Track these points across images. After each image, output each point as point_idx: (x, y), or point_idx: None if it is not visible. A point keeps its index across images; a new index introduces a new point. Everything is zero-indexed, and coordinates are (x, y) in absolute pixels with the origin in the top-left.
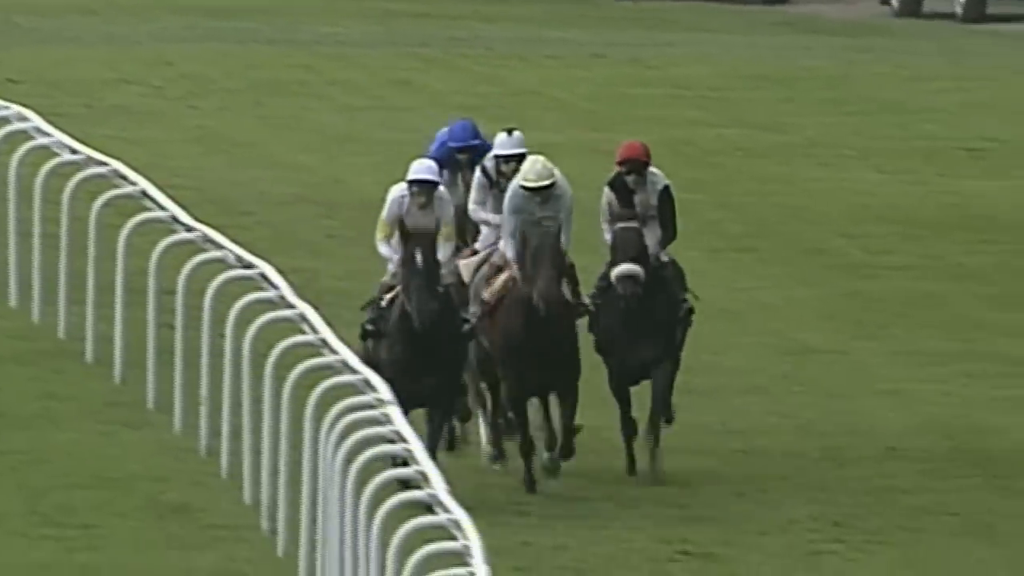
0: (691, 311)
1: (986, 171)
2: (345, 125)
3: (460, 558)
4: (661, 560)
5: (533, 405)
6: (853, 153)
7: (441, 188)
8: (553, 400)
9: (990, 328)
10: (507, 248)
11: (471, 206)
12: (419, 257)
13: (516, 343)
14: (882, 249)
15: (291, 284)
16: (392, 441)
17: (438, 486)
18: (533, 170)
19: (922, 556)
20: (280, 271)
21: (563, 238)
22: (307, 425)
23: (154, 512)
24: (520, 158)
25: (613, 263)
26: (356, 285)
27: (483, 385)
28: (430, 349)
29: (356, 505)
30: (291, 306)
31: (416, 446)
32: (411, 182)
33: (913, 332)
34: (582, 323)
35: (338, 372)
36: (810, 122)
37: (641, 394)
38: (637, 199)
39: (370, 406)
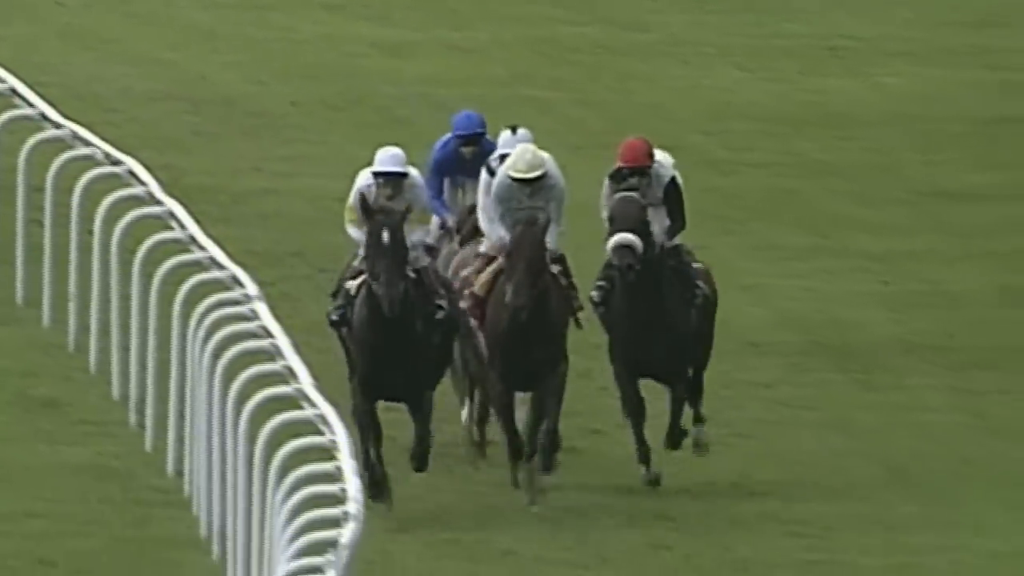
0: (707, 298)
1: (846, 69)
2: (211, 22)
3: (327, 452)
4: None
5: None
6: (714, 51)
7: (413, 174)
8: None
9: (849, 224)
10: (492, 234)
11: (479, 212)
12: (386, 235)
13: (501, 339)
14: (743, 146)
15: (159, 180)
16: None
17: (304, 380)
18: (523, 160)
19: (782, 449)
20: (148, 167)
21: (552, 233)
22: (175, 321)
23: (23, 407)
24: None
25: (609, 235)
26: (223, 181)
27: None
28: (402, 336)
29: (224, 400)
30: (159, 203)
31: (283, 341)
32: (375, 174)
33: (773, 228)
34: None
35: (206, 268)
36: (671, 20)
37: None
38: (641, 195)
39: (237, 302)
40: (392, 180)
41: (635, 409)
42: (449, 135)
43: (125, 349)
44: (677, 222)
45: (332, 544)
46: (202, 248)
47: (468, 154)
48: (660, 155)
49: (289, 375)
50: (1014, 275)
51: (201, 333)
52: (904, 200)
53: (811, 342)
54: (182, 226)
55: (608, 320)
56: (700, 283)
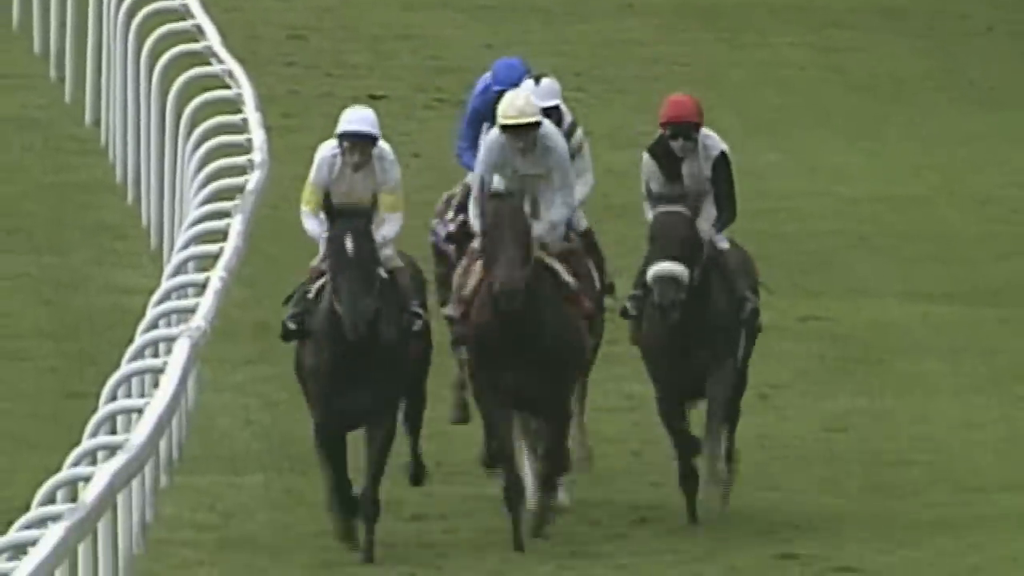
0: (756, 312)
1: None
2: None
3: (234, 105)
4: None
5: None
6: None
7: (382, 144)
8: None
9: None
10: (475, 218)
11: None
12: (349, 243)
13: (487, 345)
14: None
15: None
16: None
17: (212, 38)
18: (513, 105)
19: (655, 104)
20: None
21: (557, 211)
22: None
23: None
24: (549, 113)
25: (649, 258)
26: None
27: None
28: (366, 354)
29: (138, 55)
30: None
31: (192, 0)
32: (342, 135)
33: None
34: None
35: None
36: None
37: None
38: (686, 170)
39: None
40: (360, 144)
41: (685, 442)
42: (487, 78)
43: (45, 8)
44: (726, 211)
45: (239, 190)
46: None
47: None
48: (707, 131)
49: (198, 33)
50: None
51: None
52: None
53: (683, 2)
54: None
55: (641, 339)
56: (748, 294)
